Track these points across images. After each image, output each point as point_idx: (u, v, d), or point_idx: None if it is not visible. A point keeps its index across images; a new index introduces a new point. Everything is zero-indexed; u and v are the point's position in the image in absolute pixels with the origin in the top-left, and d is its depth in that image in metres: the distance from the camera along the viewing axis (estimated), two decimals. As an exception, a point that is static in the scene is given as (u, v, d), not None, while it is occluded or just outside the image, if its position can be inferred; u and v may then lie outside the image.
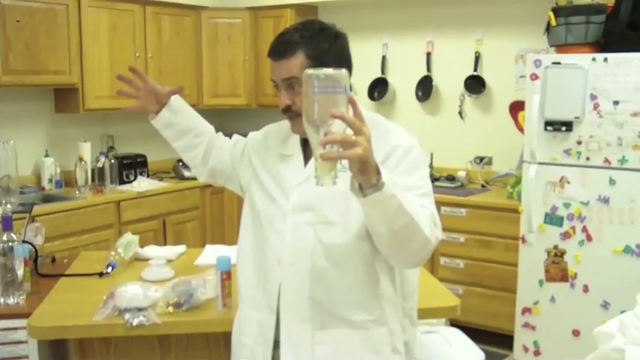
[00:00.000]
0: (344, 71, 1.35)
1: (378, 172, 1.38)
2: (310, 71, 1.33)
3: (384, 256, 1.63)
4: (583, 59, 3.52)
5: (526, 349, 3.81)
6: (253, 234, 1.83)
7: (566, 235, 3.64)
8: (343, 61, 1.70)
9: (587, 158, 3.55)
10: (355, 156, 1.31)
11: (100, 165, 4.58)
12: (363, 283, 1.68)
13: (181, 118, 2.05)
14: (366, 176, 1.36)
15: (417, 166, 1.67)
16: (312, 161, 1.73)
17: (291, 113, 1.69)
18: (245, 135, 2.10)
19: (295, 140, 1.81)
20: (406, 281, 1.77)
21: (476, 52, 4.78)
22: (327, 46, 1.67)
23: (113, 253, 2.70)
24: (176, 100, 2.04)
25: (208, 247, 3.03)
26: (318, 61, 1.62)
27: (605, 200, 3.52)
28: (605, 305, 3.53)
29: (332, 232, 1.67)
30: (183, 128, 2.06)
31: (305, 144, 1.79)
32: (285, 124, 1.83)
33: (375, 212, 1.45)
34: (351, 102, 1.34)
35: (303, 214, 1.70)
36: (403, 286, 1.77)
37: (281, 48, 1.66)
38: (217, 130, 2.14)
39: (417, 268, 1.83)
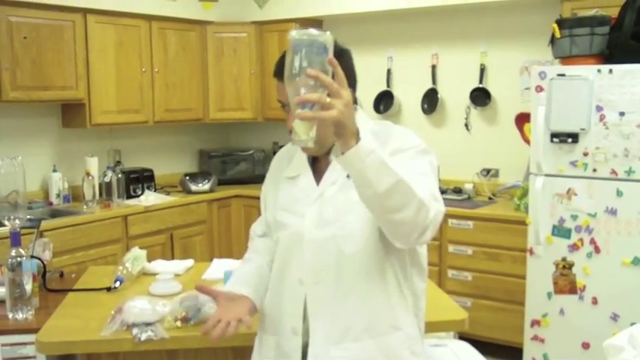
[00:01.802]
0: (328, 34, 1.35)
1: (358, 136, 1.38)
2: (294, 32, 1.34)
3: (388, 236, 1.57)
4: (588, 71, 3.52)
5: (535, 362, 3.79)
6: (275, 264, 1.83)
7: (574, 247, 3.63)
8: (349, 76, 1.70)
9: (594, 170, 3.55)
10: (329, 118, 1.31)
11: (107, 179, 4.60)
12: (374, 289, 1.69)
13: (248, 280, 1.91)
14: (343, 139, 1.37)
15: (420, 155, 1.67)
16: (325, 177, 1.74)
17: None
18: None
19: (302, 159, 1.81)
20: (412, 285, 1.76)
21: (481, 65, 4.79)
22: None
23: (121, 267, 2.70)
24: (232, 285, 1.89)
25: (216, 261, 3.03)
26: None
27: (613, 212, 3.51)
28: (615, 317, 3.51)
29: (352, 240, 1.66)
30: (259, 278, 1.92)
31: (314, 162, 1.79)
32: (290, 146, 1.84)
33: (356, 172, 1.41)
34: (332, 64, 1.34)
35: (323, 229, 1.69)
36: (410, 288, 1.76)
37: None
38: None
39: (425, 277, 1.82)
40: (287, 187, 1.81)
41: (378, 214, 1.50)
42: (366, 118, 1.80)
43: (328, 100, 1.31)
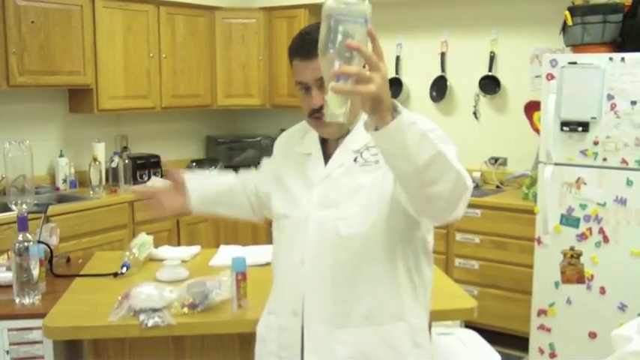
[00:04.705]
0: (367, 2, 1.27)
1: (394, 111, 1.32)
2: (330, 0, 1.25)
3: (418, 212, 1.54)
4: (600, 59, 3.49)
5: (542, 352, 3.78)
6: (278, 243, 1.82)
7: (582, 237, 3.61)
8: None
9: (604, 159, 3.52)
10: (367, 93, 1.25)
11: (114, 165, 4.60)
12: (382, 276, 1.67)
13: (206, 187, 2.06)
14: (379, 115, 1.30)
15: (445, 144, 1.65)
16: (332, 159, 1.72)
17: (322, 114, 1.66)
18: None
19: (313, 138, 1.79)
20: (422, 274, 1.75)
21: (491, 52, 4.75)
22: None
23: (128, 253, 2.70)
24: (189, 178, 2.06)
25: (223, 248, 3.02)
26: None
27: (622, 201, 3.48)
28: (623, 307, 3.49)
29: (350, 223, 1.65)
30: (217, 195, 2.08)
31: (323, 143, 1.78)
32: (302, 123, 1.83)
33: (396, 146, 1.33)
34: (371, 35, 1.27)
35: (327, 210, 1.68)
36: (420, 277, 1.75)
37: (311, 47, 1.59)
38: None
39: (432, 264, 1.80)
40: (301, 162, 1.80)
41: (414, 189, 1.43)
42: None
43: (368, 73, 1.25)
